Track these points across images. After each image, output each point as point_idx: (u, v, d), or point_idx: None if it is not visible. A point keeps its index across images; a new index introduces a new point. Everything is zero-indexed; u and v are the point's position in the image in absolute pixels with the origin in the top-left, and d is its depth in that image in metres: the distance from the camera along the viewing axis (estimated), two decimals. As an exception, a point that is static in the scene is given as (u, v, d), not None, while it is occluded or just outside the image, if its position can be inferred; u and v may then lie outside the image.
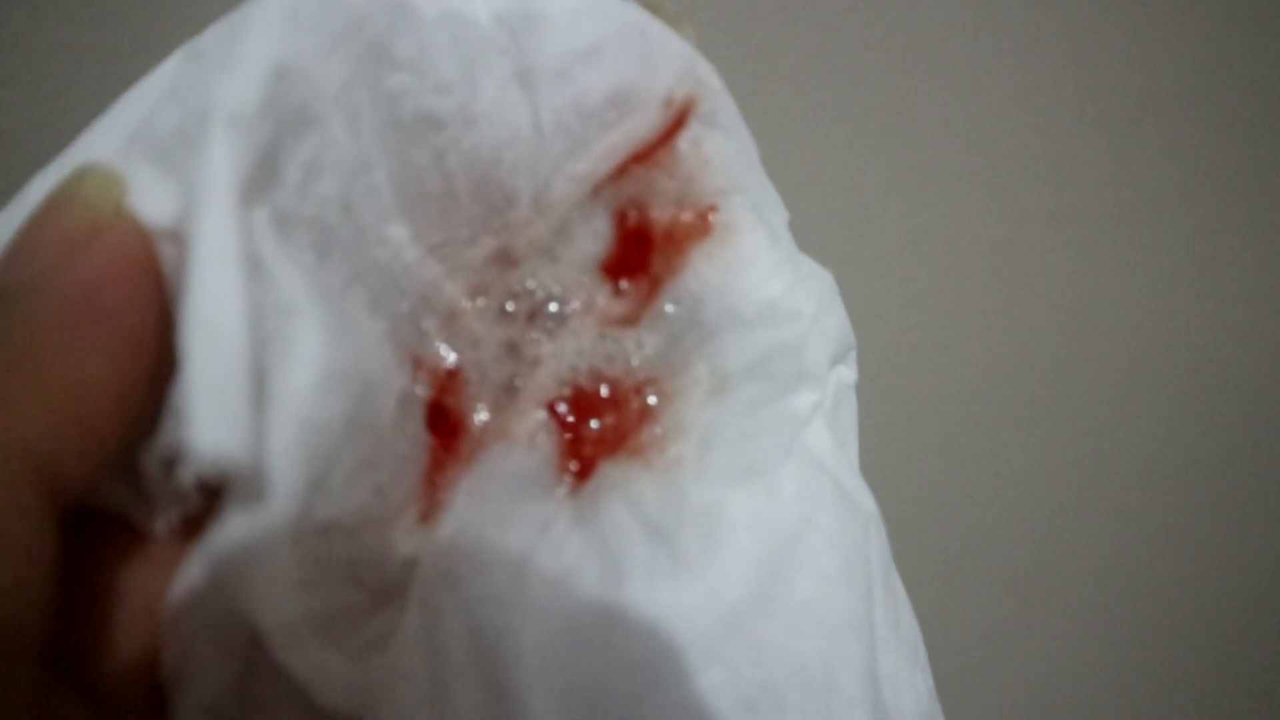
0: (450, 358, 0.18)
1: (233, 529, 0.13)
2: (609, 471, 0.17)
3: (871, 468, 0.20)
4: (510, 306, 0.18)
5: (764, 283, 0.18)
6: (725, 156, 0.19)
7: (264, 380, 0.14)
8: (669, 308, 0.18)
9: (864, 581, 0.18)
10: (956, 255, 0.53)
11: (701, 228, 0.18)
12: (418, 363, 0.17)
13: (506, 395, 0.18)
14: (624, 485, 0.17)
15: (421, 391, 0.17)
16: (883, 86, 0.47)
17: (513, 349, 0.18)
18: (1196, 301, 0.62)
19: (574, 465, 0.18)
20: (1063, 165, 0.54)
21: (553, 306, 0.18)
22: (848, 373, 0.20)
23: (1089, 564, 0.66)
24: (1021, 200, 0.54)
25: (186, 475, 0.13)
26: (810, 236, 0.22)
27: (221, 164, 0.14)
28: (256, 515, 0.13)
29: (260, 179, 0.14)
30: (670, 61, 0.18)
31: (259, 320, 0.14)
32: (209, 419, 0.13)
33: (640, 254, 0.19)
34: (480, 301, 0.18)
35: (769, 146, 0.20)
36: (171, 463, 0.14)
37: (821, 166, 0.48)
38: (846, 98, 0.47)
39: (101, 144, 0.16)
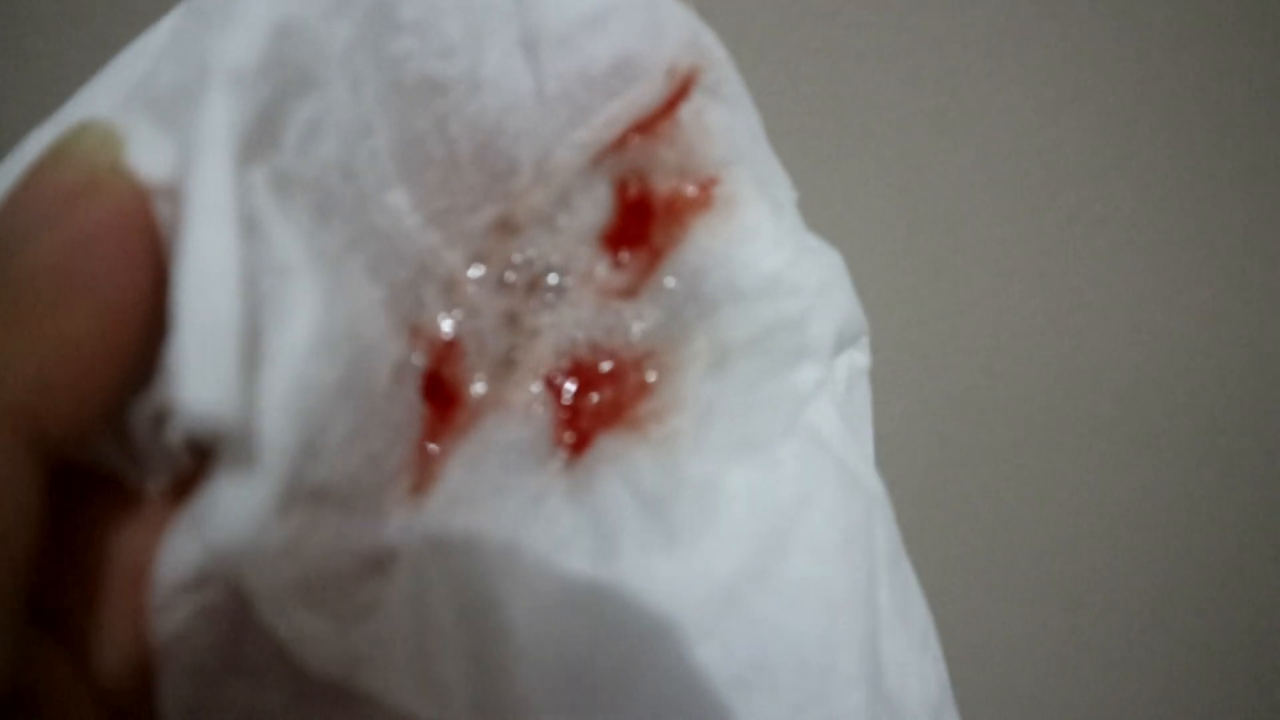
0: (448, 327, 0.18)
1: (222, 490, 0.13)
2: (606, 444, 0.17)
3: (888, 457, 0.20)
4: (510, 276, 0.18)
5: (765, 256, 0.18)
6: (728, 128, 0.18)
7: (257, 340, 0.13)
8: (669, 280, 0.18)
9: (865, 561, 0.17)
10: (975, 244, 0.53)
11: (703, 200, 0.18)
12: (415, 331, 0.17)
13: (504, 366, 0.18)
14: (620, 458, 0.17)
15: (418, 361, 0.17)
16: (899, 70, 0.47)
17: (512, 320, 0.18)
18: (1222, 295, 0.61)
19: (570, 437, 0.18)
20: (1081, 154, 0.53)
21: (552, 277, 0.18)
22: (860, 357, 0.20)
23: (1112, 561, 0.65)
24: (1041, 190, 0.53)
25: (175, 433, 0.13)
26: (826, 221, 0.21)
27: (219, 121, 0.14)
28: (246, 477, 0.13)
29: (259, 138, 0.14)
30: (675, 31, 0.18)
31: (254, 280, 0.14)
32: (198, 377, 0.13)
33: (641, 225, 0.18)
34: (480, 271, 0.18)
35: (782, 128, 0.20)
36: (160, 421, 0.14)
37: (836, 150, 0.47)
38: (863, 81, 0.46)
39: (101, 99, 0.16)
